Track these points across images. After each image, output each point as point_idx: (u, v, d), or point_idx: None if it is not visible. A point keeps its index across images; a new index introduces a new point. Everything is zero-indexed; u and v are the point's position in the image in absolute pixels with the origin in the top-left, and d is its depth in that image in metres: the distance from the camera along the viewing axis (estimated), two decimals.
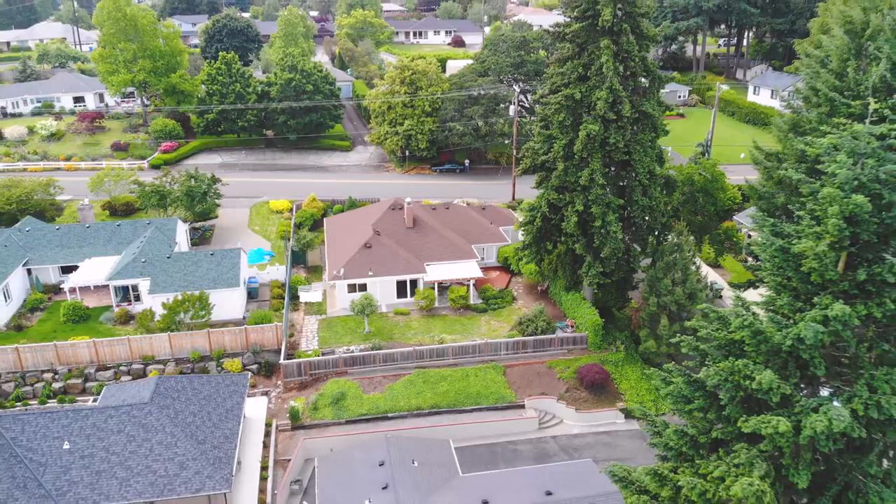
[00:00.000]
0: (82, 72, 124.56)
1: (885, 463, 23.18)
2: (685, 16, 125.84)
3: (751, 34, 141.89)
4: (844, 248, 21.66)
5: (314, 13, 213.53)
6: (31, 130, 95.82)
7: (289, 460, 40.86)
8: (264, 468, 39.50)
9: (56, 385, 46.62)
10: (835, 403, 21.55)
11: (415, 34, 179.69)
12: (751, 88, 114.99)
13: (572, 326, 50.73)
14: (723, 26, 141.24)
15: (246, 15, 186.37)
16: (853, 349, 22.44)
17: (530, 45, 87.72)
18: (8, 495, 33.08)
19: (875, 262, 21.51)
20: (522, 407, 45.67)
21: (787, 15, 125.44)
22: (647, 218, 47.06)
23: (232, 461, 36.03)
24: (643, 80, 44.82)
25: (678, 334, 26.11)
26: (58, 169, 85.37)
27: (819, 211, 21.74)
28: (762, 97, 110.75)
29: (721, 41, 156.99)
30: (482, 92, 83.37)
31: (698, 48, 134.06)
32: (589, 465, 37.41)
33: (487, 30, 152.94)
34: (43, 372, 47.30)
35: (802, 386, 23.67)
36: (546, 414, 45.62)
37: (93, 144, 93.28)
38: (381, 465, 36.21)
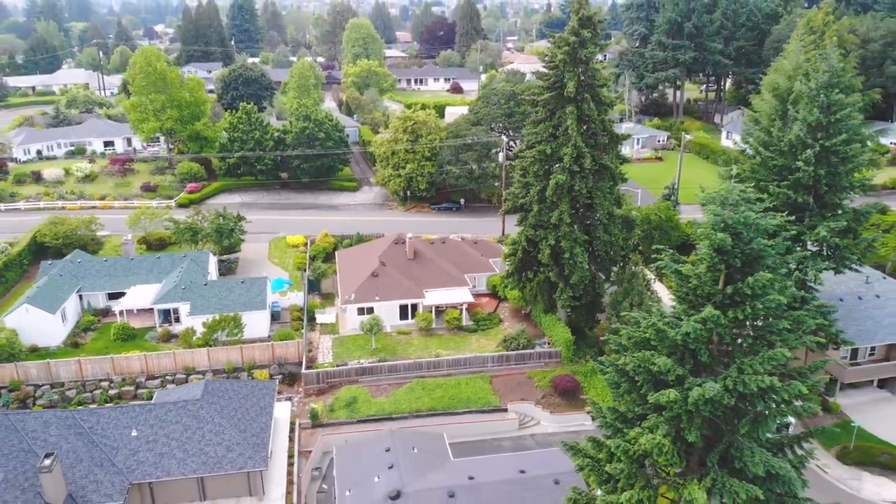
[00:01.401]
0: (109, 117, 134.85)
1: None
2: (664, 66, 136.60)
3: (728, 81, 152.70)
4: (719, 270, 30.56)
5: (321, 59, 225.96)
6: (67, 172, 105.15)
7: (310, 451, 49.26)
8: (290, 457, 47.79)
9: (111, 392, 55.01)
10: (711, 382, 30.23)
11: (416, 81, 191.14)
12: (723, 133, 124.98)
13: (549, 343, 59.35)
14: (701, 75, 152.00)
15: (256, 60, 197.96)
16: (730, 343, 31.28)
17: (519, 97, 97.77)
18: (89, 471, 41.37)
19: (739, 280, 30.45)
20: (505, 410, 53.68)
21: (759, 65, 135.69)
22: (609, 251, 56.09)
23: (267, 447, 44.48)
24: (603, 138, 54.27)
25: (608, 334, 35.02)
26: (94, 208, 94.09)
27: (699, 243, 30.82)
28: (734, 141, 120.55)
29: (702, 87, 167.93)
30: (475, 139, 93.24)
31: (678, 94, 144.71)
32: (556, 452, 45.27)
33: (484, 77, 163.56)
34: (100, 381, 55.63)
35: (701, 372, 32.40)
36: (525, 416, 53.70)
37: (124, 185, 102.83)
38: (387, 451, 44.42)
